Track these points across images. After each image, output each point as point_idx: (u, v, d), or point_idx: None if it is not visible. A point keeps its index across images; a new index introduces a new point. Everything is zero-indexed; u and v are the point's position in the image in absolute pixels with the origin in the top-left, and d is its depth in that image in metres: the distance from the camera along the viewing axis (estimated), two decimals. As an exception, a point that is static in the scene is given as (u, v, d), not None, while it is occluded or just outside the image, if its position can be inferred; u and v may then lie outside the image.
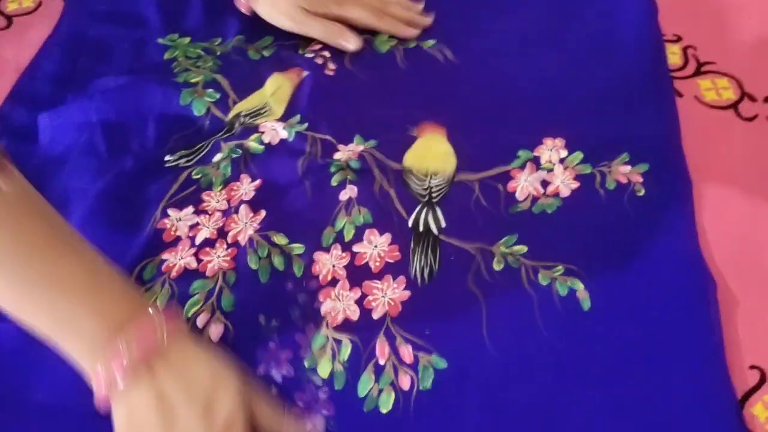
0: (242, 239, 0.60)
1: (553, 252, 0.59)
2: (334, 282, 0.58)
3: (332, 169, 0.65)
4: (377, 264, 0.59)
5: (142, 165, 0.66)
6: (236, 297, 0.57)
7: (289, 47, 0.77)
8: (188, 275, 0.58)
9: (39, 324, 0.47)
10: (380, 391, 0.52)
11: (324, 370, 0.53)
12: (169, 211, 0.62)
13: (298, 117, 0.69)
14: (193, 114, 0.70)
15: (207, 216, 0.62)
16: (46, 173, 0.65)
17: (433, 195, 0.63)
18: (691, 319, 0.55)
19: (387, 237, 0.60)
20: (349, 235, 0.60)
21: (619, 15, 0.77)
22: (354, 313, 0.56)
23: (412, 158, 0.66)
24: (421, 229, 0.61)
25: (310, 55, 0.75)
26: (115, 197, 0.63)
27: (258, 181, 0.64)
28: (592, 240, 0.60)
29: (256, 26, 0.77)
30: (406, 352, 0.54)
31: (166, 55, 0.76)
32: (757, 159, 0.66)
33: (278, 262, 0.59)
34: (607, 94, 0.70)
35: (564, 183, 0.63)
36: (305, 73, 0.73)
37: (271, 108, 0.70)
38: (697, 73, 0.74)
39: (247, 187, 0.64)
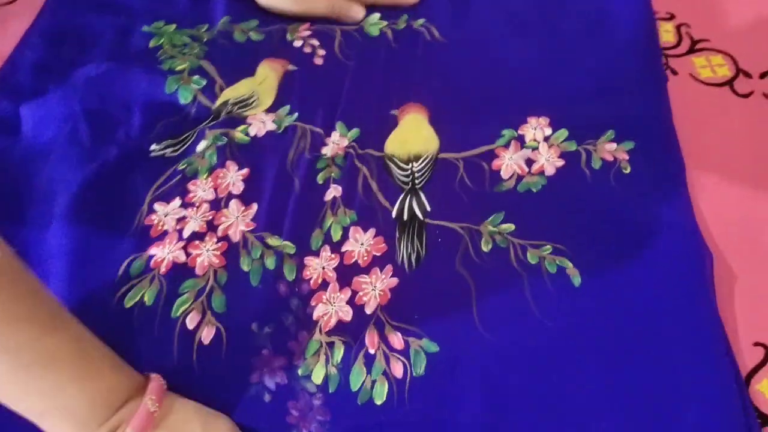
0: (233, 234, 0.60)
1: (540, 231, 0.58)
2: (325, 285, 0.57)
3: (318, 165, 0.64)
4: (365, 259, 0.58)
5: (127, 154, 0.65)
6: (228, 298, 0.56)
7: (277, 32, 0.75)
8: (178, 271, 0.57)
9: (24, 405, 0.44)
10: (373, 382, 0.52)
11: (318, 376, 0.53)
12: (156, 206, 0.61)
13: (287, 108, 0.68)
14: (179, 102, 0.69)
15: (194, 208, 0.61)
16: (30, 165, 0.64)
17: (417, 181, 0.62)
18: (689, 291, 0.55)
19: (371, 231, 0.60)
20: (336, 236, 0.59)
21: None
22: (347, 314, 0.55)
23: (394, 144, 0.65)
24: (405, 217, 0.60)
25: (299, 44, 0.74)
26: (100, 188, 0.62)
27: (245, 171, 0.63)
28: (579, 219, 0.59)
29: (242, 8, 0.76)
30: (396, 339, 0.54)
31: (152, 43, 0.74)
32: (754, 136, 0.66)
33: (270, 263, 0.58)
34: (594, 73, 0.70)
35: (549, 161, 0.63)
36: (291, 67, 0.72)
37: (259, 98, 0.69)
38: (692, 50, 0.73)
39: (234, 176, 0.63)
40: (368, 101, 0.68)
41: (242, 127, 0.66)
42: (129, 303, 0.55)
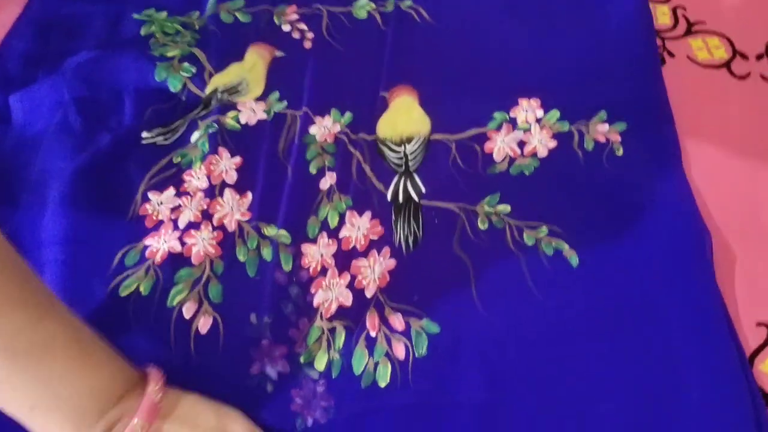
0: (229, 223, 0.59)
1: (535, 213, 0.58)
2: (324, 271, 0.56)
3: (309, 156, 0.63)
4: (362, 243, 0.58)
5: (119, 142, 0.64)
6: (224, 288, 0.56)
7: (263, 14, 0.75)
8: (173, 261, 0.57)
9: (15, 397, 0.42)
10: (376, 365, 0.52)
11: (321, 362, 0.52)
12: (150, 195, 0.61)
13: (277, 94, 0.67)
14: (169, 90, 0.68)
15: (189, 197, 0.60)
16: (21, 155, 0.63)
17: (410, 163, 0.62)
18: (689, 271, 0.55)
19: (367, 215, 0.59)
20: (333, 222, 0.59)
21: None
22: (347, 299, 0.55)
23: (385, 126, 0.65)
24: (401, 199, 0.60)
25: (287, 28, 0.73)
26: (93, 177, 0.61)
27: (238, 159, 0.63)
28: (574, 201, 0.59)
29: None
30: (397, 321, 0.54)
31: (143, 31, 0.73)
32: (753, 117, 0.66)
33: (267, 254, 0.57)
34: (586, 55, 0.69)
35: (541, 143, 0.63)
36: (278, 53, 0.71)
37: (248, 85, 0.68)
38: (688, 32, 0.73)
39: (227, 164, 0.62)
40: (359, 85, 0.68)
41: (232, 113, 0.66)
42: (124, 293, 0.55)
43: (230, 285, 0.56)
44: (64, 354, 0.43)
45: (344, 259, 0.57)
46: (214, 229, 0.59)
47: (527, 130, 0.64)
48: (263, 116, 0.66)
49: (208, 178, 0.61)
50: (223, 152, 0.63)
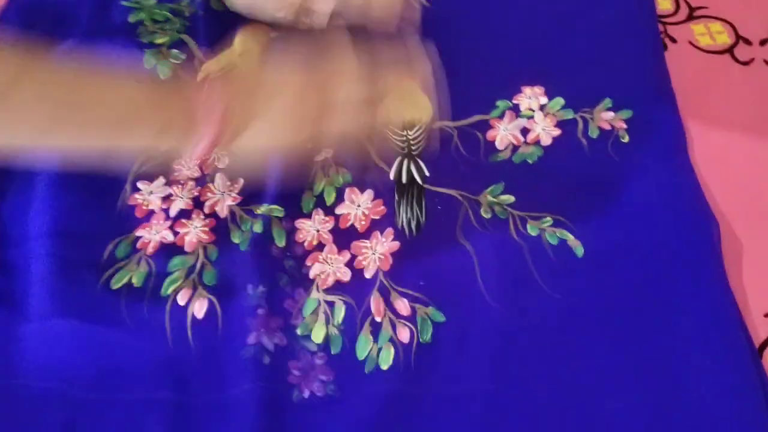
0: (221, 210, 0.57)
1: (539, 203, 0.57)
2: (320, 246, 0.55)
3: None
4: (363, 224, 0.56)
5: None
6: (218, 270, 0.54)
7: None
8: (166, 250, 0.55)
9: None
10: (380, 350, 0.51)
11: (318, 335, 0.52)
12: (140, 185, 0.59)
13: None
14: (159, 77, 0.66)
15: (180, 186, 0.59)
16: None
17: (413, 148, 0.60)
18: (696, 259, 0.54)
19: (369, 194, 0.58)
20: (330, 199, 0.58)
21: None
22: (345, 275, 0.54)
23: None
24: (404, 179, 0.58)
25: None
26: (80, 167, 0.59)
27: None
28: (578, 190, 0.58)
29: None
30: (402, 306, 0.53)
31: (131, 18, 0.71)
32: (757, 103, 0.65)
33: (257, 227, 0.56)
34: (589, 42, 0.68)
35: (545, 130, 0.62)
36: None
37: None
38: (690, 17, 0.71)
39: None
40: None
41: None
42: (116, 285, 0.53)
43: (225, 266, 0.55)
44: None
45: (342, 237, 0.56)
46: (206, 216, 0.57)
47: (530, 118, 0.62)
48: None
49: (200, 167, 0.60)
50: (215, 140, 0.61)
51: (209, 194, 0.58)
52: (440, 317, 0.52)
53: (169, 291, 0.53)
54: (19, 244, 0.55)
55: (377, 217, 0.57)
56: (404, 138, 0.60)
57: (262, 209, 0.57)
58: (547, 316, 0.52)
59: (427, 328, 0.51)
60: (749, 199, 0.59)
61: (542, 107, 0.63)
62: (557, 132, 0.62)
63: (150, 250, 0.55)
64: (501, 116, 0.63)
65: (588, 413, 0.48)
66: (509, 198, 0.57)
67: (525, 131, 0.62)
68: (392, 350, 0.51)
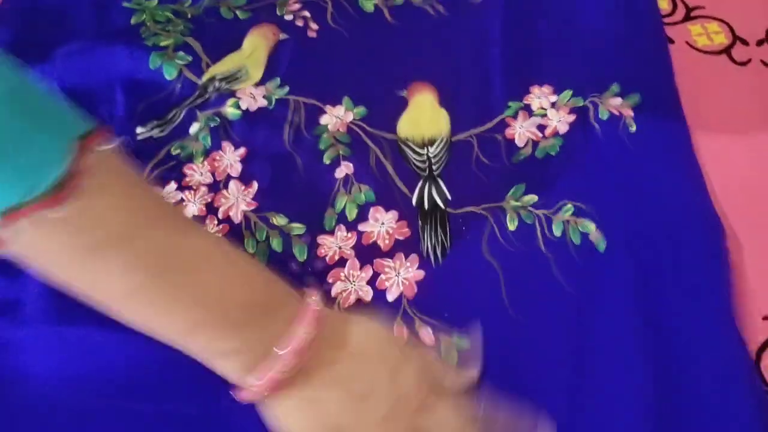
0: (234, 215, 0.57)
1: (561, 193, 0.58)
2: (342, 262, 0.55)
3: (322, 146, 0.61)
4: (387, 242, 0.56)
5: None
6: None
7: (265, 8, 0.72)
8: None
9: (174, 322, 0.40)
10: None
11: None
12: (151, 189, 0.58)
13: (277, 80, 0.65)
14: (164, 78, 0.65)
15: (192, 191, 0.58)
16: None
17: (434, 167, 0.60)
18: (701, 263, 0.54)
19: (393, 214, 0.58)
20: (352, 215, 0.57)
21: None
22: (367, 294, 0.53)
23: (407, 126, 0.63)
24: (426, 206, 0.58)
25: (290, 17, 0.71)
26: None
27: (242, 150, 0.61)
28: (596, 174, 0.59)
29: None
30: (426, 335, 0.52)
31: (133, 20, 0.70)
32: (755, 104, 0.65)
33: (276, 244, 0.56)
34: (596, 38, 0.69)
35: (561, 121, 0.62)
36: (282, 35, 0.69)
37: (248, 71, 0.66)
38: (687, 18, 0.72)
39: (231, 157, 0.60)
40: (372, 79, 0.66)
41: (232, 101, 0.64)
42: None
43: None
44: (217, 269, 0.41)
45: (365, 253, 0.55)
46: (220, 222, 0.56)
47: (544, 115, 0.63)
48: (263, 103, 0.64)
49: (212, 174, 0.59)
50: (227, 146, 0.61)
51: (222, 199, 0.58)
52: (464, 344, 0.51)
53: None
54: None
55: (401, 238, 0.56)
56: (424, 158, 0.60)
57: (280, 221, 0.57)
58: (569, 318, 0.52)
59: (452, 357, 0.51)
60: (748, 199, 0.59)
61: (553, 104, 0.64)
62: (572, 118, 0.62)
63: (162, 256, 0.55)
64: (515, 116, 0.63)
65: (608, 418, 0.48)
66: (532, 198, 0.58)
67: (542, 127, 0.62)
68: None
